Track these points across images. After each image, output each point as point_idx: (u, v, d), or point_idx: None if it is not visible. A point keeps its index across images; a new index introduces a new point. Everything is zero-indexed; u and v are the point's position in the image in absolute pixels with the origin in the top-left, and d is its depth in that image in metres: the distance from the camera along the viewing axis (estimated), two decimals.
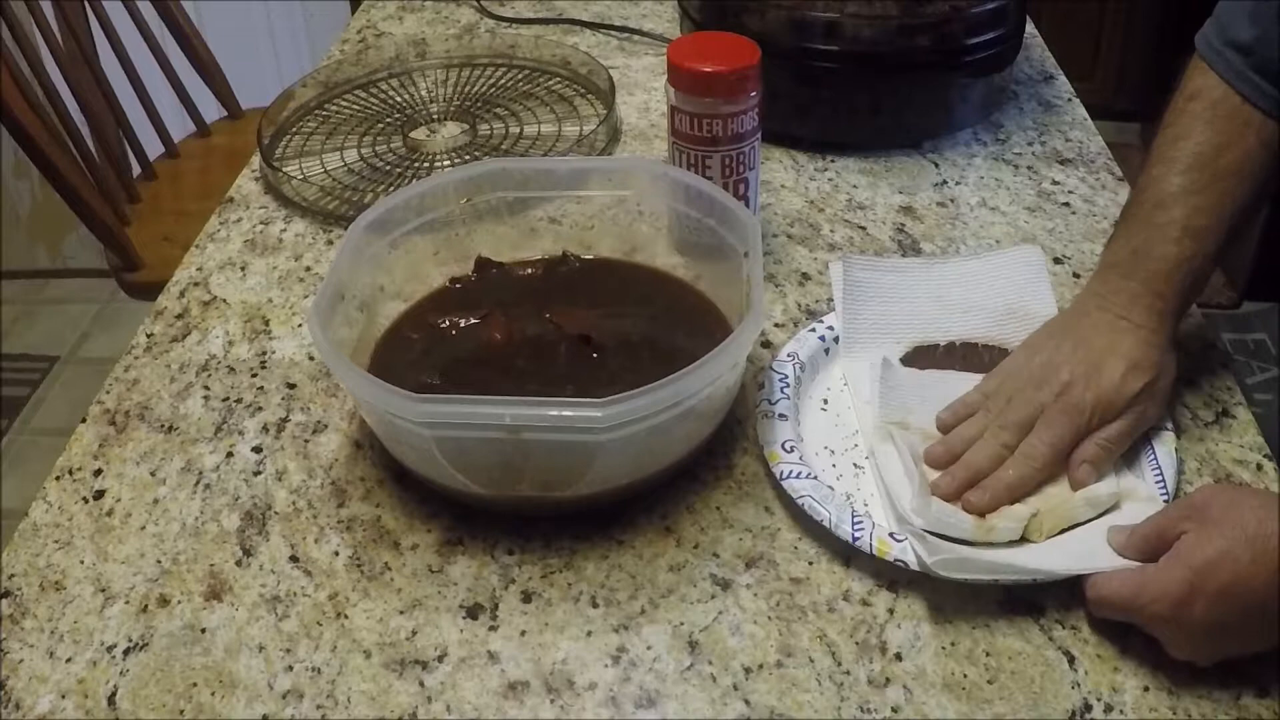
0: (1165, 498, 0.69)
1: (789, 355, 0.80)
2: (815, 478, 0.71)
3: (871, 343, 0.81)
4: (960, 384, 0.77)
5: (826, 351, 0.82)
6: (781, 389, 0.77)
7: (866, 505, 0.71)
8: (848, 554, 0.69)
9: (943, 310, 0.83)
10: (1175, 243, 0.73)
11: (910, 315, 0.83)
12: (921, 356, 0.81)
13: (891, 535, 0.67)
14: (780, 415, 0.75)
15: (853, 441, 0.76)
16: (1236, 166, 0.73)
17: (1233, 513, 0.60)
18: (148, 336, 0.89)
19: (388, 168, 1.09)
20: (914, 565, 0.65)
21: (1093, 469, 0.70)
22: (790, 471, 0.71)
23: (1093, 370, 0.72)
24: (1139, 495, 0.70)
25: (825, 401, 0.80)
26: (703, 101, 0.85)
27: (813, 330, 0.83)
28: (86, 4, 1.72)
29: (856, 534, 0.67)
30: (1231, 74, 0.73)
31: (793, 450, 0.72)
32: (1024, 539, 0.68)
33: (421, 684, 0.63)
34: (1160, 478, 0.70)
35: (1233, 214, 0.73)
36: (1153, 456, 0.72)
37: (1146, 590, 0.61)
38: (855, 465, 0.75)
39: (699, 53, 0.86)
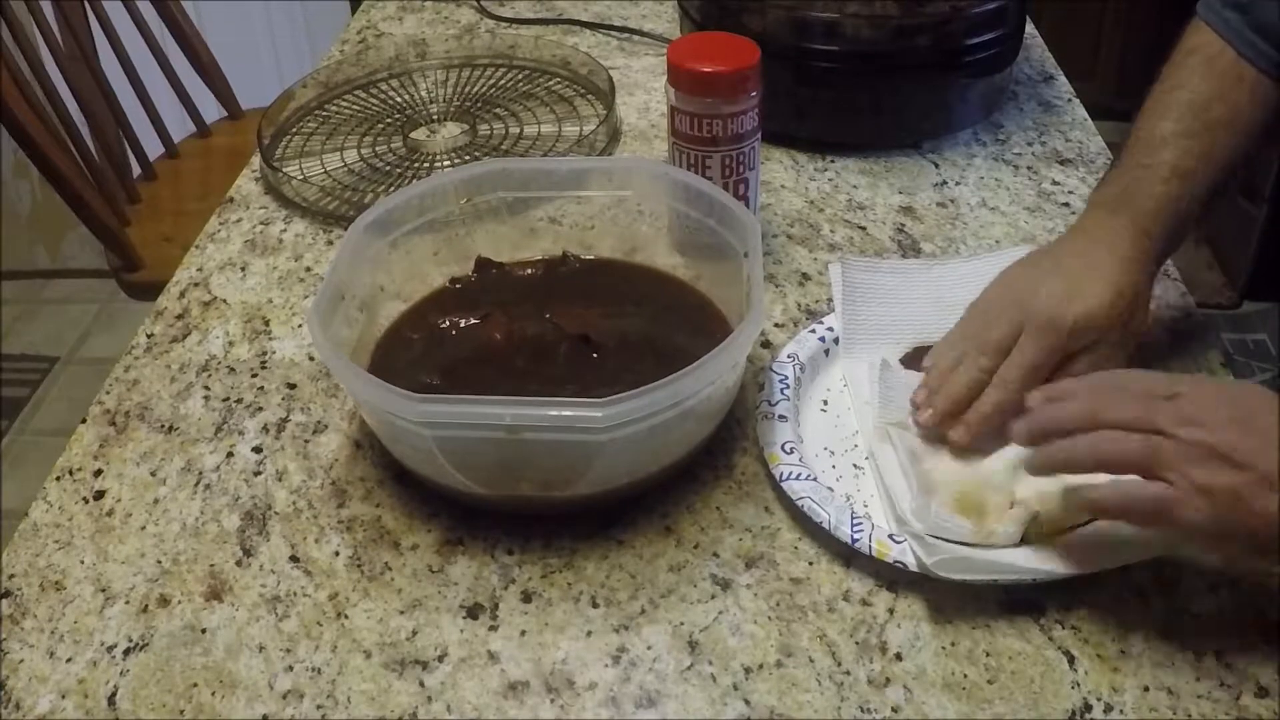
0: None
1: (789, 356, 0.80)
2: (815, 479, 0.71)
3: (871, 344, 0.81)
4: None
5: (826, 352, 0.82)
6: (781, 390, 0.77)
7: (866, 506, 0.71)
8: (848, 554, 0.69)
9: (941, 311, 0.83)
10: (1164, 182, 0.74)
11: (909, 316, 0.83)
12: (920, 357, 0.81)
13: (891, 537, 0.67)
14: (780, 416, 0.75)
15: (853, 442, 0.76)
16: (1227, 118, 0.74)
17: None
18: (148, 337, 0.89)
19: (388, 168, 1.09)
20: (913, 567, 0.65)
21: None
22: (790, 473, 0.71)
23: (1073, 289, 0.71)
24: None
25: (825, 403, 0.80)
26: (703, 101, 0.85)
27: (812, 331, 0.83)
28: (86, 4, 1.72)
29: (856, 536, 0.67)
30: (1230, 32, 0.75)
31: (793, 451, 0.72)
32: (1023, 541, 0.68)
33: (421, 684, 0.63)
34: None
35: (1221, 163, 0.74)
36: None
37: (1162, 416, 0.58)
38: (855, 466, 0.75)
39: (699, 53, 0.86)
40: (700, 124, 0.86)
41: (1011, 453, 0.70)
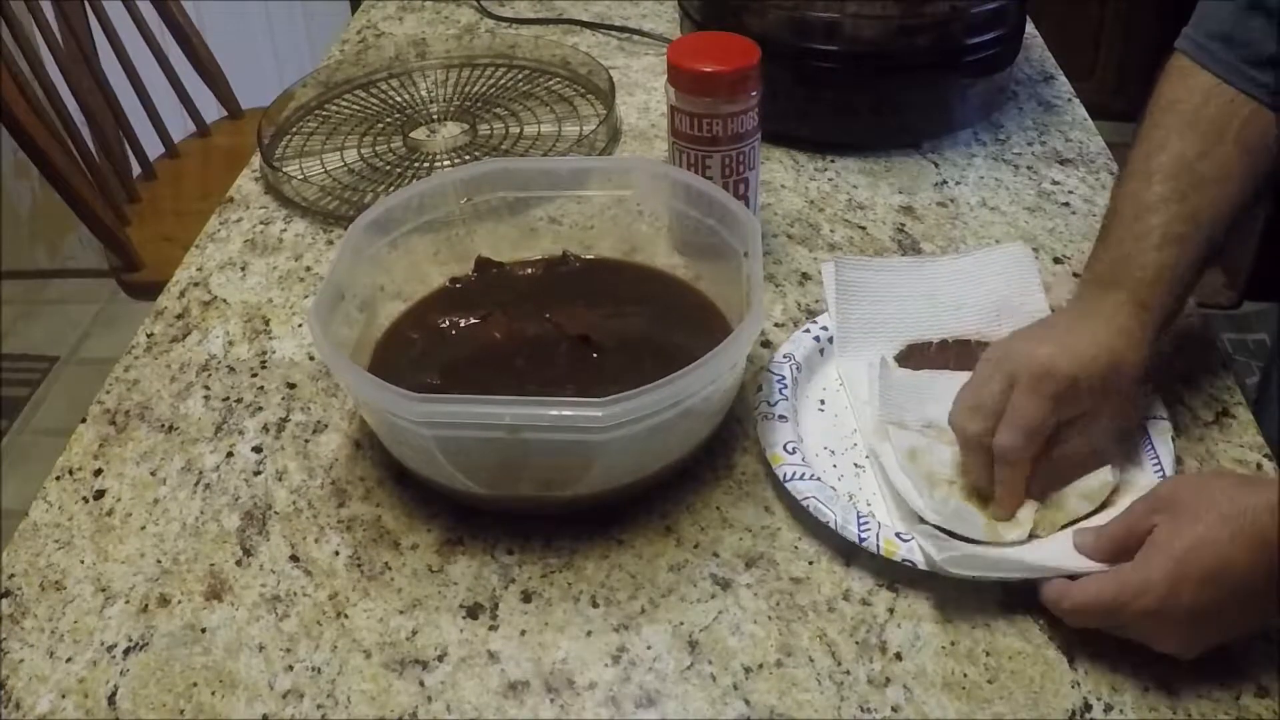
0: None
1: (785, 356, 0.80)
2: (819, 479, 0.71)
3: (865, 342, 0.82)
4: (954, 382, 0.77)
5: (821, 352, 0.82)
6: (780, 390, 0.77)
7: (870, 505, 0.72)
8: (848, 554, 0.69)
9: (935, 308, 0.83)
10: (1156, 250, 0.71)
11: (902, 314, 0.83)
12: (915, 355, 0.82)
13: (898, 535, 0.67)
14: (780, 416, 0.75)
15: (851, 441, 0.76)
16: (1216, 172, 0.72)
17: (1203, 497, 0.60)
18: (148, 336, 0.89)
19: (388, 168, 1.09)
20: (922, 565, 0.65)
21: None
22: (794, 473, 0.71)
23: (1067, 348, 0.68)
24: (1138, 486, 0.70)
25: (822, 402, 0.80)
26: (703, 101, 0.85)
27: (807, 331, 0.83)
28: (86, 4, 1.72)
29: (863, 534, 0.67)
30: (1219, 65, 0.73)
31: (795, 452, 0.72)
32: (1032, 535, 0.69)
33: (421, 684, 0.63)
34: (1159, 468, 0.70)
35: (1213, 220, 0.72)
36: (1150, 448, 0.72)
37: (1129, 586, 0.60)
38: (855, 465, 0.75)
39: (699, 53, 0.86)
40: (700, 124, 0.86)
41: None
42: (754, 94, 0.85)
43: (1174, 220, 0.71)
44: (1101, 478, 0.70)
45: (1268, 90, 0.72)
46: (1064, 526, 0.69)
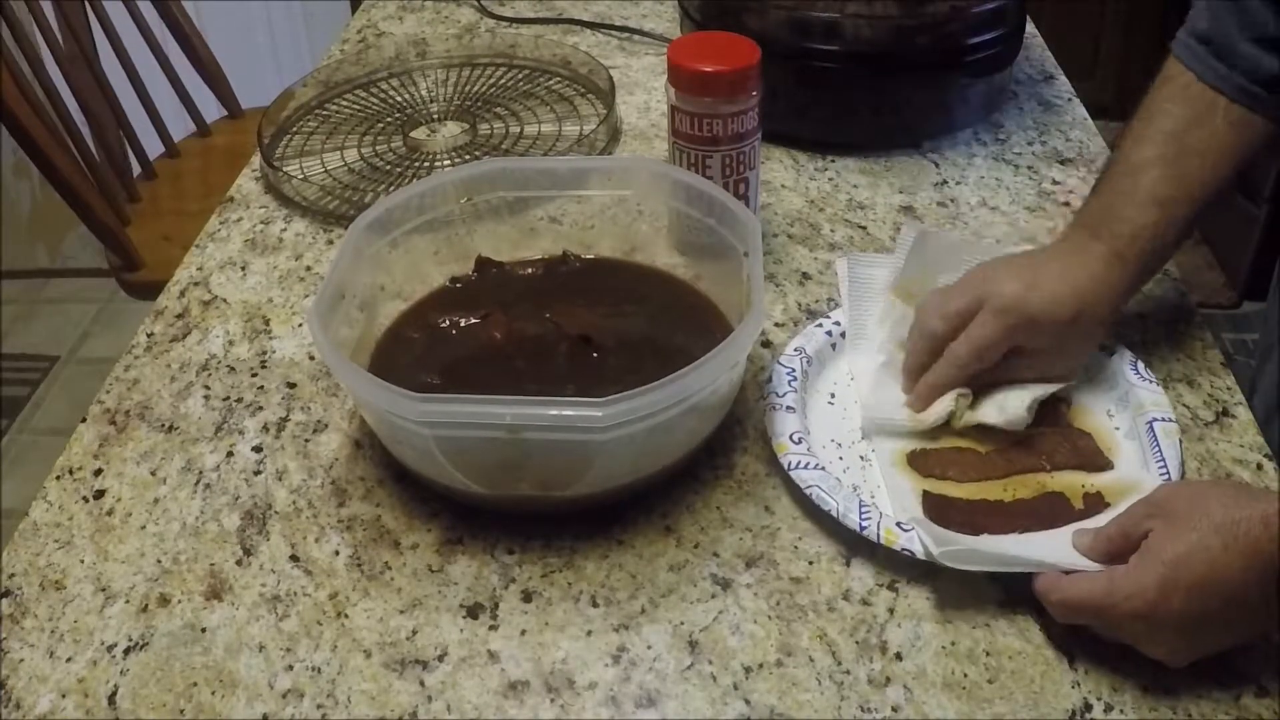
0: None
1: (796, 350, 0.80)
2: (823, 469, 0.71)
3: (877, 339, 0.82)
4: (986, 250, 0.82)
5: (833, 346, 0.82)
6: (789, 382, 0.77)
7: (873, 497, 0.72)
8: (848, 554, 0.69)
9: None
10: (1140, 208, 0.75)
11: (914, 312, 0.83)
12: None
13: (899, 525, 0.67)
14: (787, 408, 0.75)
15: (859, 434, 0.77)
16: (1203, 145, 0.75)
17: (1198, 505, 0.60)
18: (148, 336, 0.89)
19: (388, 167, 1.09)
20: (920, 555, 0.65)
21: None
22: (798, 462, 0.71)
23: (1039, 284, 0.74)
24: (1142, 489, 0.69)
25: (832, 396, 0.80)
26: (703, 101, 0.85)
27: (819, 325, 0.83)
28: (86, 4, 1.72)
29: (864, 524, 0.67)
30: (1196, 62, 0.76)
31: (800, 442, 0.73)
32: (949, 420, 0.75)
33: (422, 683, 0.63)
34: (1164, 469, 0.70)
35: (1199, 189, 0.75)
36: (1157, 448, 0.72)
37: (1119, 589, 0.60)
38: (861, 458, 0.75)
39: (699, 53, 0.86)
40: (700, 124, 0.86)
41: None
42: (754, 94, 0.85)
43: (1160, 182, 0.75)
44: (1021, 406, 0.74)
45: (1239, 90, 0.75)
46: (965, 426, 0.75)
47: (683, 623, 0.65)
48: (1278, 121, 0.75)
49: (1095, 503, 0.70)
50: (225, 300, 0.93)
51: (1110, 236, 0.75)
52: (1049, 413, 0.77)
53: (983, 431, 0.76)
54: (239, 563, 0.70)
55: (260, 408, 0.82)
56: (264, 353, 0.87)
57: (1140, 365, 0.77)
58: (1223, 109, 0.75)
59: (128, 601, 0.68)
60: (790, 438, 0.73)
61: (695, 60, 0.85)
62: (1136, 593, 0.59)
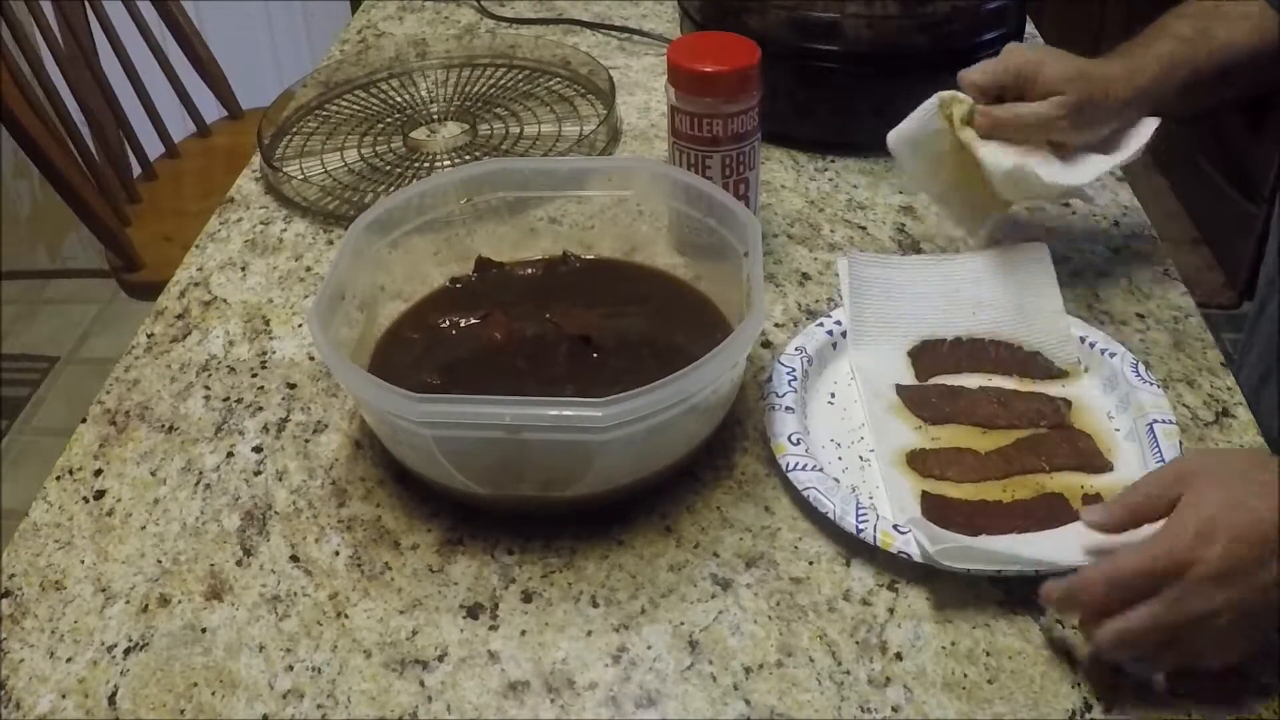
0: None
1: (796, 349, 0.80)
2: (821, 470, 0.71)
3: (879, 337, 0.82)
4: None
5: (834, 346, 0.82)
6: (789, 382, 0.77)
7: (872, 498, 0.72)
8: (848, 554, 0.69)
9: (950, 306, 0.84)
10: (1157, 60, 0.85)
11: (917, 310, 0.84)
12: (928, 351, 0.82)
13: (895, 527, 0.67)
14: (786, 408, 0.75)
15: (859, 435, 0.77)
16: (1238, 11, 0.85)
17: (1224, 467, 0.61)
18: (148, 336, 0.89)
19: (388, 168, 1.09)
20: (917, 557, 0.65)
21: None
22: (796, 463, 0.71)
23: (1052, 55, 0.84)
24: None
25: (832, 395, 0.80)
26: (703, 101, 0.85)
27: (820, 325, 0.83)
28: (86, 4, 1.72)
29: (861, 526, 0.67)
30: None
31: (799, 443, 0.73)
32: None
33: (422, 684, 0.63)
34: None
35: (1224, 42, 0.84)
36: (1157, 450, 0.72)
37: (1155, 547, 0.59)
38: (861, 459, 0.75)
39: (699, 52, 0.86)
40: (700, 124, 0.86)
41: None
42: (755, 94, 0.85)
43: (1180, 46, 0.85)
44: (1009, 161, 0.81)
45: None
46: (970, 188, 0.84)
47: (683, 623, 0.65)
48: None
49: (1094, 504, 0.70)
50: (225, 301, 0.93)
51: (1126, 60, 0.85)
52: (1049, 413, 0.77)
53: (983, 432, 0.76)
54: (239, 563, 0.70)
55: (260, 408, 0.82)
56: (264, 353, 0.87)
57: (1141, 367, 0.77)
58: (1254, 16, 0.84)
59: (128, 602, 0.68)
60: (789, 439, 0.73)
61: (696, 60, 0.85)
62: (1174, 546, 0.58)
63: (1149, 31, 0.88)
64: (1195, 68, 0.84)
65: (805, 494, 0.70)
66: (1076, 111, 0.81)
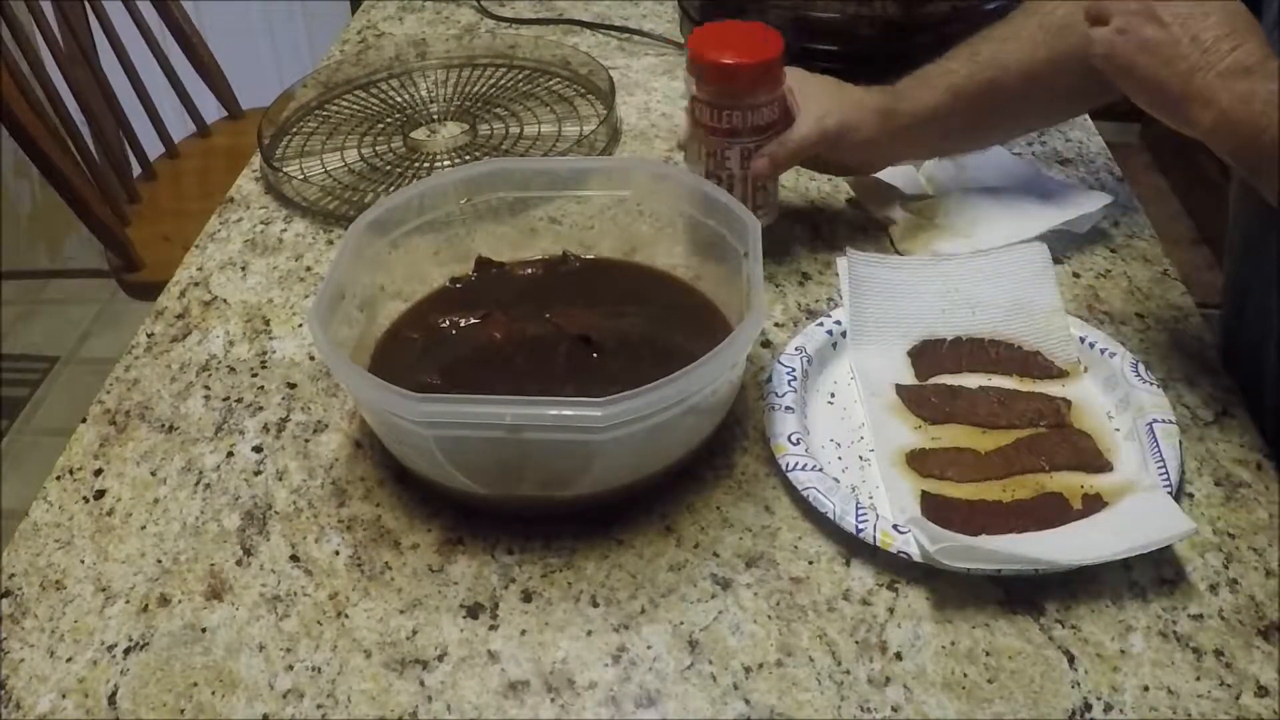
0: (1168, 488, 0.69)
1: (796, 349, 0.80)
2: (821, 470, 0.71)
3: (879, 337, 0.82)
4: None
5: (834, 345, 0.82)
6: (789, 382, 0.77)
7: (871, 498, 0.72)
8: (848, 553, 0.69)
9: (950, 306, 0.84)
10: (932, 65, 0.88)
11: (917, 310, 0.83)
12: (928, 351, 0.82)
13: (895, 527, 0.67)
14: (786, 408, 0.75)
15: (859, 434, 0.77)
16: (1006, 33, 0.87)
17: None
18: (148, 336, 0.89)
19: (388, 168, 1.09)
20: (917, 556, 0.65)
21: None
22: (796, 463, 0.71)
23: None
24: (1142, 485, 0.70)
25: (832, 395, 0.80)
26: (725, 91, 0.84)
27: (820, 324, 0.83)
28: (86, 4, 1.72)
29: (860, 526, 0.67)
30: None
31: (799, 443, 0.73)
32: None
33: (422, 683, 0.63)
34: (1164, 470, 0.70)
35: (991, 58, 0.86)
36: (1156, 449, 0.72)
37: None
38: (860, 458, 0.75)
39: (722, 42, 0.85)
40: (721, 115, 0.85)
41: None
42: (777, 86, 0.85)
43: (953, 57, 0.88)
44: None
45: None
46: None
47: (683, 623, 0.65)
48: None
49: (1094, 504, 0.70)
50: (225, 300, 0.93)
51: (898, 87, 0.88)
52: (1049, 412, 0.77)
53: (982, 431, 0.76)
54: (239, 563, 0.70)
55: (260, 408, 0.82)
56: (264, 353, 0.87)
57: (1141, 367, 0.77)
58: (1040, 14, 0.85)
59: (128, 601, 0.68)
60: (789, 438, 0.73)
61: (718, 51, 0.84)
62: None
63: (950, 54, 0.89)
64: (971, 85, 0.87)
65: (805, 494, 0.70)
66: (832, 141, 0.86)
